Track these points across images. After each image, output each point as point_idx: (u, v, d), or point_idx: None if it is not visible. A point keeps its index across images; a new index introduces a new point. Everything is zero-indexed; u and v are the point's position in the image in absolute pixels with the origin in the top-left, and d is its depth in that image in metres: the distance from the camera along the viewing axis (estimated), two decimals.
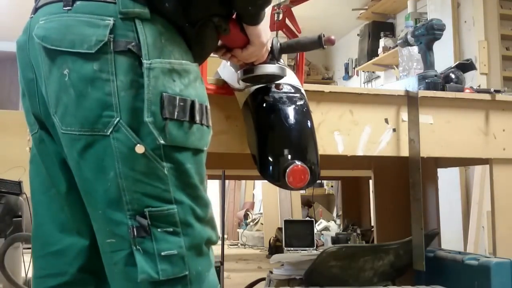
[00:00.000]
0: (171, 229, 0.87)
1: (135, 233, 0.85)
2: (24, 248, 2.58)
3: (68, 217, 1.02)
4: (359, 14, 5.44)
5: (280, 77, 1.27)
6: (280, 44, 1.29)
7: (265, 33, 1.10)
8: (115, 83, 0.85)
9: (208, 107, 0.95)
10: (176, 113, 0.87)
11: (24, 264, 2.55)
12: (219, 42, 1.11)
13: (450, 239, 3.41)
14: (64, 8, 0.89)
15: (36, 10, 0.96)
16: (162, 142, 0.86)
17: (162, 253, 0.86)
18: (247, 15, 1.04)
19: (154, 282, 0.86)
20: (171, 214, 0.87)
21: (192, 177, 0.91)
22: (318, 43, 1.29)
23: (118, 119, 0.85)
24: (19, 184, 2.72)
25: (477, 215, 3.47)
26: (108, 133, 0.85)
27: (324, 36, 1.28)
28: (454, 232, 3.67)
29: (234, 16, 1.05)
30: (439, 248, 2.08)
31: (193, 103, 0.90)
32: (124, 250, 0.87)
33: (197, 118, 0.91)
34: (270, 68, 1.23)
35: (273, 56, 1.25)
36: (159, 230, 0.86)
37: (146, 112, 0.85)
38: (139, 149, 0.85)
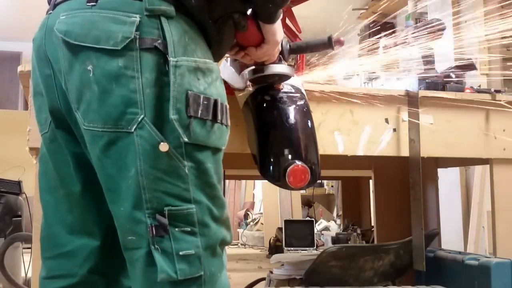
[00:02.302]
0: (189, 229, 0.86)
1: (154, 232, 0.85)
2: (23, 248, 2.58)
3: (77, 218, 1.01)
4: (360, 14, 5.45)
5: (289, 77, 1.27)
6: (290, 45, 1.29)
7: (279, 32, 1.11)
8: (140, 80, 0.85)
9: (228, 106, 0.95)
10: (200, 111, 0.87)
11: (24, 264, 2.55)
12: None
13: (450, 239, 3.41)
14: (88, 4, 0.88)
15: (55, 6, 0.95)
16: (186, 140, 0.86)
17: (180, 253, 0.85)
18: (266, 13, 1.04)
19: (172, 282, 0.85)
20: (190, 214, 0.87)
21: (212, 177, 0.91)
22: (328, 44, 1.29)
23: (142, 116, 0.85)
24: (18, 184, 2.72)
25: (477, 215, 3.47)
26: (132, 130, 0.85)
27: (333, 37, 1.28)
28: (454, 232, 3.67)
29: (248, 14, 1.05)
30: (439, 248, 2.08)
31: (215, 102, 0.90)
32: (143, 249, 0.87)
33: (219, 117, 0.91)
34: (280, 68, 1.23)
35: (283, 56, 1.25)
36: (177, 229, 0.86)
37: (171, 109, 0.85)
38: (163, 147, 0.85)
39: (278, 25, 1.09)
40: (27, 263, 2.33)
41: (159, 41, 0.86)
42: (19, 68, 1.40)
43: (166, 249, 0.85)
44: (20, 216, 2.61)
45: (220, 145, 0.94)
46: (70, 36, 0.88)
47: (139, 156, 0.85)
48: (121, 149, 0.86)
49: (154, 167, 0.85)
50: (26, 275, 2.57)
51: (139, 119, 0.85)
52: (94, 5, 0.88)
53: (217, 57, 1.00)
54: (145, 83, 0.85)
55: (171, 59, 0.86)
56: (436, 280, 1.79)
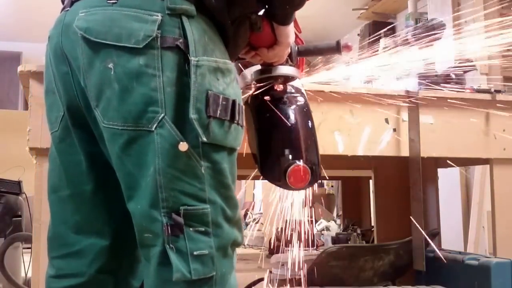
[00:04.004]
0: (203, 229, 0.86)
1: (170, 231, 0.85)
2: (23, 248, 2.58)
3: (85, 218, 1.01)
4: (360, 14, 5.44)
5: (294, 78, 1.28)
6: (298, 47, 1.29)
7: (292, 34, 1.12)
8: (161, 79, 0.85)
9: (243, 107, 0.95)
10: (218, 111, 0.88)
11: (24, 264, 2.55)
12: None
13: (450, 239, 3.41)
14: (109, 2, 0.88)
15: (72, 3, 0.94)
16: (204, 139, 0.86)
17: (195, 253, 0.85)
18: (282, 14, 1.05)
19: (185, 282, 0.85)
20: (205, 214, 0.87)
21: (227, 177, 0.91)
22: (336, 48, 1.29)
23: (163, 115, 0.85)
24: (18, 184, 2.72)
25: (477, 215, 3.47)
26: (153, 129, 0.84)
27: (341, 42, 1.28)
28: (454, 232, 3.67)
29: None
30: (439, 248, 2.08)
31: (234, 102, 0.91)
32: (157, 247, 0.87)
33: (236, 117, 0.91)
34: (288, 70, 1.24)
35: (290, 59, 1.26)
36: (191, 229, 0.85)
37: (191, 109, 0.85)
38: (183, 146, 0.85)
39: (291, 27, 1.10)
40: (27, 263, 2.33)
41: (180, 40, 0.86)
42: (19, 68, 1.40)
43: (181, 249, 0.85)
44: (20, 216, 2.61)
45: (236, 146, 0.94)
46: (90, 34, 0.87)
47: (158, 154, 0.84)
48: (141, 147, 0.86)
49: (172, 166, 0.85)
50: (26, 275, 2.56)
51: (160, 118, 0.84)
52: (115, 3, 0.88)
53: (232, 58, 1.00)
54: (166, 81, 0.85)
55: (192, 59, 0.86)
56: (436, 280, 1.79)
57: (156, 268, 0.87)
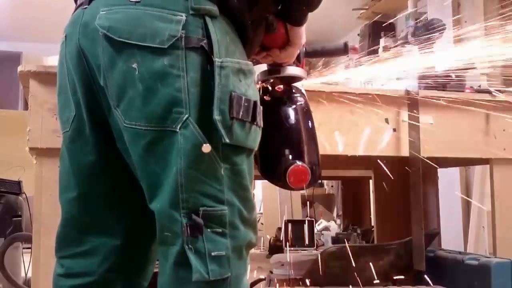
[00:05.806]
0: (220, 230, 0.86)
1: (189, 232, 0.85)
2: (23, 248, 2.58)
3: (96, 218, 1.00)
4: (360, 14, 5.44)
5: (301, 79, 1.29)
6: (305, 48, 1.30)
7: (304, 34, 1.12)
8: (185, 80, 0.84)
9: (261, 108, 0.95)
10: (241, 113, 0.87)
11: (24, 264, 2.55)
12: None
13: (450, 239, 3.41)
14: (131, 0, 0.87)
15: (90, 0, 0.93)
16: (227, 141, 0.85)
17: (212, 254, 0.85)
18: (298, 15, 1.05)
19: (203, 282, 0.85)
20: (223, 215, 0.86)
21: (245, 178, 0.91)
22: (343, 50, 1.30)
23: (187, 115, 0.84)
24: (18, 183, 2.72)
25: (477, 215, 3.47)
26: (177, 130, 0.84)
27: (349, 44, 1.29)
28: (454, 232, 3.67)
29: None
30: (439, 248, 2.08)
31: (255, 103, 0.90)
32: (176, 246, 0.86)
33: (257, 118, 0.91)
34: (296, 71, 1.24)
35: (297, 59, 1.26)
36: (209, 230, 0.85)
37: (215, 110, 0.84)
38: (206, 148, 0.84)
39: (303, 28, 1.10)
40: (27, 263, 2.33)
41: (204, 41, 0.86)
42: (19, 68, 1.40)
43: (200, 250, 0.85)
44: (20, 216, 2.61)
45: (254, 147, 0.94)
46: (114, 33, 0.86)
47: (180, 155, 0.84)
48: (165, 147, 0.85)
49: (193, 167, 0.84)
50: (26, 275, 2.56)
51: (184, 119, 0.84)
52: (138, 2, 0.87)
53: (247, 58, 1.00)
54: (190, 82, 0.84)
55: (216, 60, 0.85)
56: (436, 280, 1.79)
57: (173, 267, 0.87)
